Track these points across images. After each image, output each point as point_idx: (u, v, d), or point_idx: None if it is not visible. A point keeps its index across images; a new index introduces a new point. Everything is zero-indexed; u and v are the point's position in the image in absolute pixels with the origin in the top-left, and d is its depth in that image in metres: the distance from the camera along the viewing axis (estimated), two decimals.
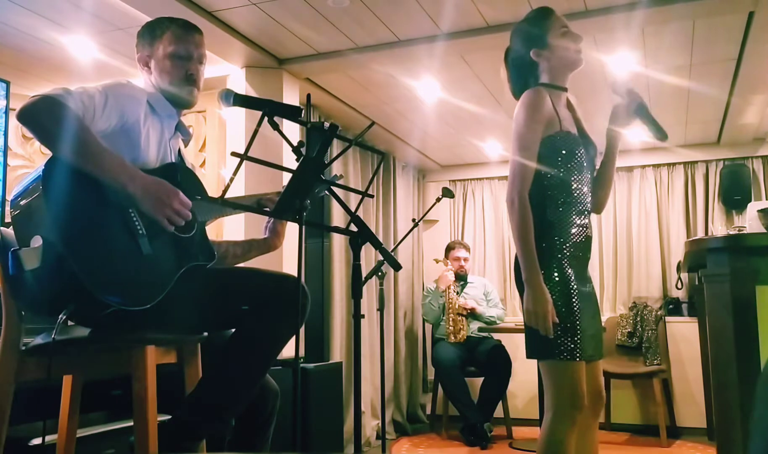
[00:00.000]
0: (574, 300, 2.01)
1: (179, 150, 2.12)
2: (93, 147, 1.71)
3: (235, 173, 1.70)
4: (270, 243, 2.31)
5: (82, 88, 1.79)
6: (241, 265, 2.32)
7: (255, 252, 2.34)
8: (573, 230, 2.08)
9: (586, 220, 2.14)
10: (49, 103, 1.69)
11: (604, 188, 2.25)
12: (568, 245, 2.06)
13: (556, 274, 2.03)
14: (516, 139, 2.07)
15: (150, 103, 1.98)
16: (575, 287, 2.03)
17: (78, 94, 1.75)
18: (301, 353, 1.71)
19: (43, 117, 1.69)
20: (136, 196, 1.75)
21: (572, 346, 1.98)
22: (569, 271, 2.04)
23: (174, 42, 2.01)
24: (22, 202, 1.75)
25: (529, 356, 2.09)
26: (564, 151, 2.08)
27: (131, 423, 1.85)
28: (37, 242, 1.67)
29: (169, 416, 1.92)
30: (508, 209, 2.06)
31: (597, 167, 2.26)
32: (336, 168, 4.59)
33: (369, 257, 4.89)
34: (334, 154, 3.77)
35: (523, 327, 2.10)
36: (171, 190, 1.81)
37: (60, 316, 1.71)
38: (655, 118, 2.15)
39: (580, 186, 2.12)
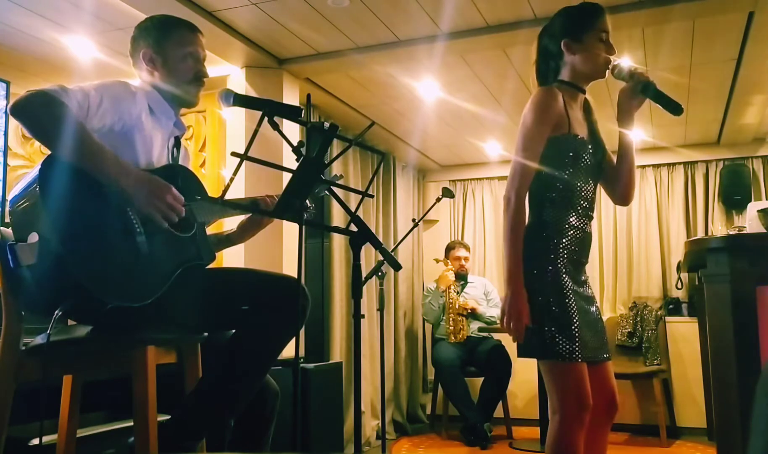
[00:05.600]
0: (568, 300, 1.98)
1: (179, 149, 2.12)
2: (87, 142, 1.71)
3: (235, 173, 1.70)
4: (233, 239, 2.29)
5: (78, 86, 1.79)
6: (242, 266, 2.32)
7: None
8: (570, 233, 2.05)
9: (586, 224, 2.11)
10: (44, 98, 1.68)
11: (621, 181, 2.20)
12: (562, 246, 2.03)
13: (549, 274, 2.00)
14: (521, 138, 2.05)
15: (149, 103, 1.97)
16: (569, 286, 2.00)
17: (73, 92, 1.75)
18: (301, 353, 1.71)
19: (37, 111, 1.68)
20: (129, 191, 1.75)
21: (569, 346, 1.94)
22: (564, 271, 2.01)
23: (189, 43, 2.04)
24: (20, 204, 1.75)
25: (521, 354, 2.05)
26: (571, 154, 2.05)
27: (131, 423, 1.85)
28: (33, 238, 1.67)
29: (169, 416, 1.92)
30: (503, 206, 2.03)
31: (611, 165, 2.22)
32: (336, 168, 4.59)
33: (369, 257, 4.88)
34: (334, 155, 3.76)
35: None
36: (163, 185, 1.80)
37: (56, 312, 1.70)
38: (665, 93, 2.07)
39: (583, 190, 2.09)
